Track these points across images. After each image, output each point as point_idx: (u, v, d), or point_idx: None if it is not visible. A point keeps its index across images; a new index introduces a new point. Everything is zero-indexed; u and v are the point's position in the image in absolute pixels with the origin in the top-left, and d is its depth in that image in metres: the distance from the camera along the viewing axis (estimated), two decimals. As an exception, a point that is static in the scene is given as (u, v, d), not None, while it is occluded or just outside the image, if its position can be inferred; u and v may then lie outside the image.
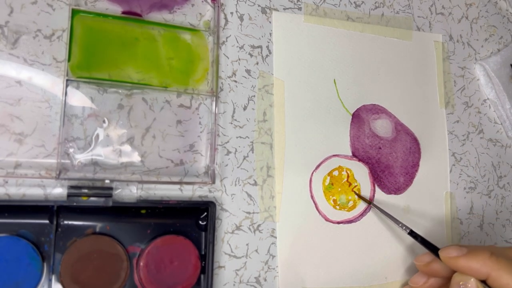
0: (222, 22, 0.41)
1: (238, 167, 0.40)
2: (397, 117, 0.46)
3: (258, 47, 0.42)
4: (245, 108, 0.41)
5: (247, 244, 0.39)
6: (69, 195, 0.34)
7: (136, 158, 0.37)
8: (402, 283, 0.43)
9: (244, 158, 0.40)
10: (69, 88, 0.36)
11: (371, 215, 0.43)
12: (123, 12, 0.38)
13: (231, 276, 0.38)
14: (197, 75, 0.40)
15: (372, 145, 0.45)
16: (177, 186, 0.38)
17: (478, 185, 0.49)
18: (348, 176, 0.43)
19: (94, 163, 0.36)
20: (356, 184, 0.43)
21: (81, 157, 0.36)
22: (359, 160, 0.44)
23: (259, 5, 0.43)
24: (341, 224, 0.42)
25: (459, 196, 0.48)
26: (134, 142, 0.37)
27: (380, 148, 0.45)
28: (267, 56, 0.42)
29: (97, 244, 0.35)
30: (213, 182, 0.38)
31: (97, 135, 0.36)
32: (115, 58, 0.37)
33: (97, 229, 0.35)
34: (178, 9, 0.40)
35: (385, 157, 0.45)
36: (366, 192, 0.44)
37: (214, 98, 0.39)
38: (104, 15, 0.37)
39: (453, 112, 0.49)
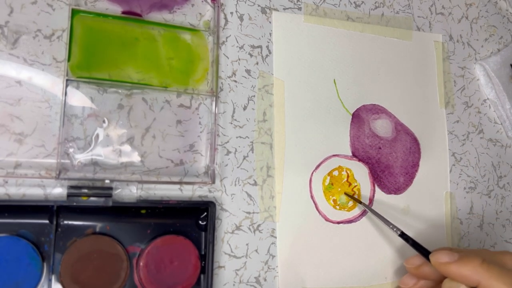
0: (222, 22, 0.41)
1: (238, 167, 0.40)
2: (397, 117, 0.46)
3: (258, 47, 0.42)
4: (245, 108, 0.41)
5: (247, 244, 0.39)
6: (69, 195, 0.34)
7: (136, 158, 0.37)
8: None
9: (244, 158, 0.40)
10: (69, 88, 0.36)
11: (371, 215, 0.43)
12: (123, 12, 0.38)
13: (231, 276, 0.38)
14: (197, 75, 0.40)
15: (372, 145, 0.45)
16: (177, 186, 0.38)
17: (478, 185, 0.49)
18: (348, 176, 0.43)
19: (94, 163, 0.36)
20: (356, 184, 0.43)
21: (81, 157, 0.36)
22: (359, 160, 0.44)
23: (259, 5, 0.43)
24: (341, 224, 0.42)
25: (459, 196, 0.48)
26: (134, 142, 0.37)
27: (380, 148, 0.45)
28: (267, 56, 0.42)
29: (97, 244, 0.35)
30: (213, 182, 0.38)
31: (97, 135, 0.36)
32: (115, 58, 0.37)
33: (97, 229, 0.35)
34: (178, 9, 0.40)
35: (385, 157, 0.45)
36: (366, 192, 0.44)
37: (214, 98, 0.39)
38: (104, 15, 0.37)
39: (453, 112, 0.49)
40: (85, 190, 0.34)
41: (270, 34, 0.43)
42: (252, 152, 0.40)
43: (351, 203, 0.43)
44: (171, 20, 0.40)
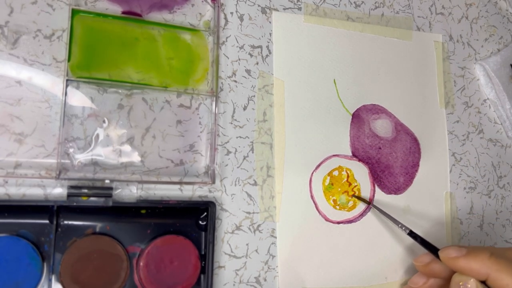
0: (222, 22, 0.41)
1: (238, 167, 0.40)
2: (397, 117, 0.46)
3: (258, 47, 0.42)
4: (245, 108, 0.41)
5: (247, 244, 0.39)
6: (69, 195, 0.34)
7: (136, 158, 0.37)
8: (402, 283, 0.43)
9: (244, 158, 0.40)
10: (69, 88, 0.36)
11: (371, 215, 0.43)
12: (123, 12, 0.38)
13: (231, 276, 0.38)
14: (197, 75, 0.40)
15: (372, 145, 0.45)
16: (177, 186, 0.38)
17: (478, 185, 0.49)
18: (348, 176, 0.43)
19: (94, 163, 0.36)
20: (356, 184, 0.43)
21: (81, 157, 0.36)
22: (359, 160, 0.44)
23: (259, 5, 0.43)
24: (341, 224, 0.42)
25: (459, 196, 0.48)
26: (134, 142, 0.37)
27: (380, 148, 0.45)
28: (267, 56, 0.42)
29: (97, 244, 0.35)
30: (213, 182, 0.38)
31: (97, 135, 0.36)
32: (115, 58, 0.37)
33: (97, 229, 0.35)
34: (178, 9, 0.40)
35: (385, 157, 0.45)
36: (366, 192, 0.44)
37: (214, 98, 0.39)
38: (104, 15, 0.37)
39: (453, 112, 0.49)
40: (85, 190, 0.34)
41: (270, 34, 0.43)
42: (252, 152, 0.40)
43: (351, 203, 0.43)
44: (171, 20, 0.40)
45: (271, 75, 0.42)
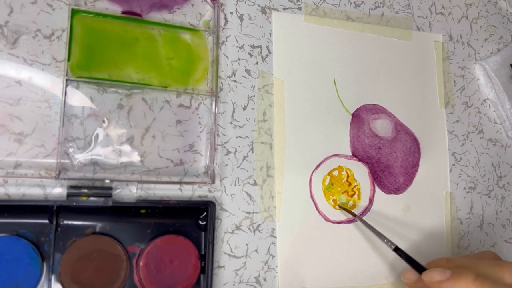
0: (222, 22, 0.41)
1: (238, 167, 0.40)
2: (397, 117, 0.46)
3: (258, 47, 0.42)
4: (245, 108, 0.41)
5: (247, 244, 0.39)
6: (69, 195, 0.34)
7: (136, 158, 0.37)
8: (402, 283, 0.43)
9: (244, 158, 0.40)
10: (68, 88, 0.36)
11: (371, 215, 0.43)
12: (123, 12, 0.38)
13: (231, 276, 0.38)
14: (197, 75, 0.40)
15: (372, 145, 0.45)
16: (177, 186, 0.38)
17: (478, 185, 0.49)
18: (348, 176, 0.43)
19: (94, 163, 0.36)
20: (356, 184, 0.43)
21: (81, 157, 0.36)
22: (359, 160, 0.44)
23: (259, 5, 0.43)
24: (341, 224, 0.42)
25: (459, 196, 0.48)
26: (134, 142, 0.37)
27: (380, 148, 0.45)
28: (267, 56, 0.42)
29: (97, 244, 0.35)
30: (213, 182, 0.38)
31: (97, 135, 0.36)
32: (115, 58, 0.37)
33: (97, 229, 0.35)
34: (178, 9, 0.40)
35: (385, 157, 0.45)
36: (366, 192, 0.44)
37: (214, 98, 0.39)
38: (104, 15, 0.37)
39: (453, 112, 0.49)
40: (85, 190, 0.34)
41: (270, 34, 0.43)
42: (252, 152, 0.40)
43: (351, 203, 0.43)
44: (171, 20, 0.40)
45: (271, 75, 0.42)
